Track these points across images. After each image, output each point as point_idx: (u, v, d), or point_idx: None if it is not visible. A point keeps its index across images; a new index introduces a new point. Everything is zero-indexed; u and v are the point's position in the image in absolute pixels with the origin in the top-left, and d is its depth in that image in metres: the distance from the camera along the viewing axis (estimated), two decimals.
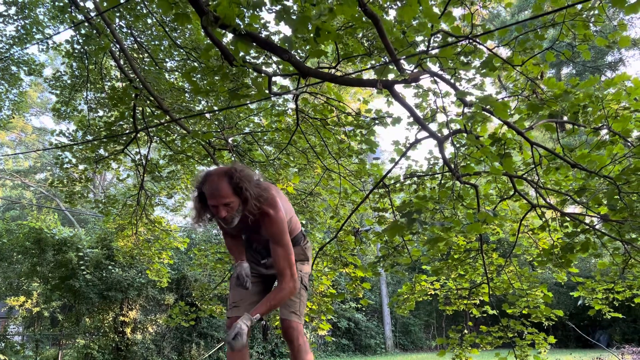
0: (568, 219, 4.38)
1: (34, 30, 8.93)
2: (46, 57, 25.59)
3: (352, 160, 6.06)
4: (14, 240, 13.10)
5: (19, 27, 8.97)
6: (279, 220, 2.54)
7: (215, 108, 6.18)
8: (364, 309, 20.32)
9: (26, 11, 8.81)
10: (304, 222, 6.73)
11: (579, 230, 4.17)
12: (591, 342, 18.17)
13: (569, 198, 4.36)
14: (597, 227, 4.20)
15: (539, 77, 4.16)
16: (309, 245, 2.99)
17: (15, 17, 9.01)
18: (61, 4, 7.07)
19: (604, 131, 3.98)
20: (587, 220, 4.16)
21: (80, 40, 7.06)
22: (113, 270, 13.75)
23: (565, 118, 4.25)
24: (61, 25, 8.87)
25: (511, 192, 4.56)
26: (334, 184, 6.16)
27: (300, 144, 5.83)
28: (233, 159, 6.19)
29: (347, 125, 5.23)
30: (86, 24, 6.02)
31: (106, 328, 14.21)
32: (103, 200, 8.14)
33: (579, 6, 3.52)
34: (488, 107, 3.15)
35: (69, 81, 8.28)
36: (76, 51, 7.38)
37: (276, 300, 2.52)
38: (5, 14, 9.01)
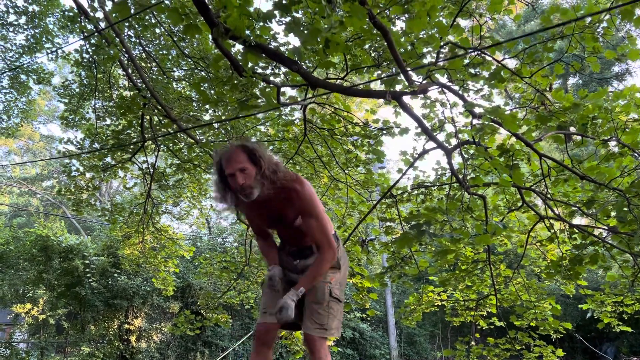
0: (577, 230, 4.36)
1: (44, 39, 9.01)
2: (54, 66, 25.82)
3: (359, 170, 6.06)
4: (21, 247, 13.15)
5: (29, 37, 9.06)
6: (308, 192, 2.53)
7: (224, 118, 6.21)
8: (369, 319, 20.21)
9: (36, 21, 8.90)
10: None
11: (587, 242, 4.15)
12: (598, 355, 17.99)
13: (577, 210, 4.34)
14: (606, 239, 4.18)
15: (548, 89, 4.16)
16: (342, 250, 2.82)
17: (25, 27, 9.11)
18: (71, 14, 7.15)
19: (613, 143, 3.97)
20: (596, 232, 4.15)
21: (90, 50, 7.13)
22: (119, 278, 13.76)
23: (573, 130, 4.24)
24: (71, 34, 8.96)
25: (519, 204, 4.54)
26: (340, 193, 6.15)
27: (308, 153, 5.84)
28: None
29: (355, 135, 5.23)
30: (96, 34, 6.08)
31: (111, 336, 14.20)
32: (110, 209, 8.16)
33: (588, 19, 3.53)
34: (497, 118, 3.15)
35: (77, 90, 8.34)
36: (85, 60, 7.45)
37: (318, 272, 2.51)
38: (16, 23, 9.11)
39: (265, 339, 2.61)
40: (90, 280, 13.24)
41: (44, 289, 13.82)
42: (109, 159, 6.96)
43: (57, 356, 14.58)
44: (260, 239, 2.84)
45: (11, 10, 8.90)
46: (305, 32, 2.74)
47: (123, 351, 14.26)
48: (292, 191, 2.51)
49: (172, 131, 5.93)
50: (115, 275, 13.79)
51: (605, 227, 4.04)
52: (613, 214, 3.94)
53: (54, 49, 8.90)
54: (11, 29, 9.17)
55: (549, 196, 4.13)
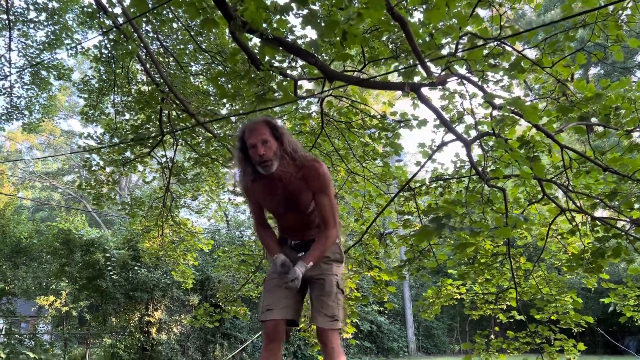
0: (599, 223, 4.29)
1: (63, 35, 9.12)
2: (74, 62, 26.14)
3: (377, 163, 6.02)
4: (44, 241, 13.40)
5: (49, 33, 9.18)
6: (325, 172, 2.59)
7: (241, 111, 6.22)
8: (386, 312, 20.20)
9: (56, 17, 9.01)
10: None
11: (610, 234, 4.08)
12: (620, 349, 17.75)
13: (599, 202, 4.26)
14: (629, 231, 4.10)
15: (569, 79, 4.09)
16: (340, 244, 2.90)
17: (45, 23, 9.22)
18: (90, 10, 7.22)
19: (636, 134, 3.89)
20: (619, 224, 4.07)
21: (109, 45, 7.20)
22: (139, 271, 13.95)
23: (595, 120, 4.16)
24: (89, 30, 9.05)
25: (539, 196, 4.48)
26: (358, 187, 6.13)
27: (325, 147, 5.83)
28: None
29: (372, 128, 5.21)
30: (114, 30, 6.13)
31: (132, 328, 14.42)
32: (129, 202, 8.26)
33: (611, 7, 3.45)
34: (517, 109, 3.10)
35: (96, 85, 8.43)
36: (104, 56, 7.52)
37: (323, 247, 2.57)
38: (36, 20, 9.23)
39: (274, 335, 2.62)
40: (111, 273, 13.44)
41: (67, 281, 14.07)
42: (128, 154, 7.03)
43: (79, 347, 14.85)
44: (261, 228, 2.84)
45: (32, 7, 9.01)
46: (323, 24, 2.73)
47: (144, 343, 14.47)
48: (311, 169, 2.55)
49: (189, 125, 5.96)
50: (136, 268, 13.98)
51: (628, 220, 3.97)
52: (637, 205, 3.87)
53: (73, 45, 9.01)
54: (32, 26, 9.30)
55: (570, 188, 4.07)
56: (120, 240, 14.64)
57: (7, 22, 9.10)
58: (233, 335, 16.45)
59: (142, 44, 6.17)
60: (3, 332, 13.43)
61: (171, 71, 7.41)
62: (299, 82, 3.97)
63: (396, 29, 3.70)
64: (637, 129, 3.78)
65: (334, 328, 2.63)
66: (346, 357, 2.75)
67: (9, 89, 9.86)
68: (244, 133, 2.53)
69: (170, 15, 6.90)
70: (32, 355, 11.41)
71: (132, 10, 5.99)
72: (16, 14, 9.26)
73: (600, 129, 4.26)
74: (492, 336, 5.79)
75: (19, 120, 10.48)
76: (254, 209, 2.82)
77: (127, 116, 7.96)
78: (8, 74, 9.60)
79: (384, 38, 4.30)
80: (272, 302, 2.64)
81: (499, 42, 3.61)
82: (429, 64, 3.33)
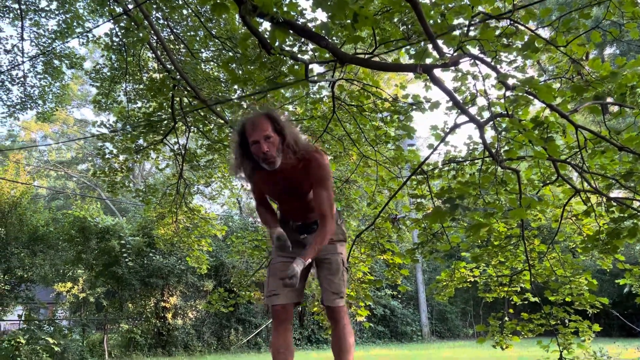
0: (614, 203, 4.25)
1: (75, 24, 9.16)
2: (86, 50, 26.25)
3: (389, 147, 6.00)
4: (60, 228, 13.60)
5: (60, 22, 9.21)
6: (326, 163, 2.61)
7: (252, 95, 6.22)
8: (399, 296, 20.27)
9: (67, 6, 9.04)
10: (339, 209, 6.74)
11: (626, 215, 4.04)
12: (636, 331, 17.67)
13: (615, 182, 4.22)
14: None
15: (584, 58, 4.03)
16: (344, 225, 2.99)
17: (56, 12, 9.26)
18: None
19: None
20: (635, 204, 4.03)
21: (120, 33, 7.21)
22: (154, 258, 14.12)
23: (610, 100, 4.10)
24: (100, 18, 9.07)
25: (553, 177, 4.44)
26: (370, 171, 6.13)
27: (336, 131, 5.82)
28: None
29: (384, 112, 5.18)
30: (125, 17, 6.14)
31: (148, 313, 14.64)
32: (143, 190, 8.33)
33: None
34: (531, 90, 3.07)
35: (108, 73, 8.47)
36: (115, 44, 7.54)
37: (322, 242, 2.58)
38: (47, 9, 9.27)
39: (283, 318, 2.69)
40: (126, 259, 13.63)
41: (83, 268, 14.30)
42: (141, 141, 7.07)
43: (97, 332, 15.14)
44: (261, 206, 2.87)
45: None
46: (333, 5, 2.71)
47: (160, 328, 14.70)
48: (312, 160, 2.57)
49: (199, 108, 5.97)
50: (151, 254, 14.15)
51: None
52: None
53: (84, 34, 9.04)
54: (43, 15, 9.34)
55: (585, 169, 4.02)
56: (135, 227, 14.82)
57: (19, 11, 9.15)
58: (247, 320, 16.64)
59: (152, 31, 6.18)
60: (23, 319, 13.72)
61: (182, 58, 7.41)
62: (310, 66, 3.95)
63: (407, 10, 3.66)
64: None
65: (340, 305, 2.74)
66: (354, 336, 2.85)
67: (22, 79, 9.95)
68: (245, 128, 2.51)
69: (180, 2, 6.89)
70: (51, 340, 11.64)
71: None
72: (27, 3, 9.31)
73: (615, 109, 4.20)
74: (506, 318, 5.80)
75: (33, 110, 10.59)
76: (256, 191, 2.86)
77: (139, 104, 8.00)
78: (21, 63, 9.68)
79: (395, 20, 4.26)
80: (277, 286, 2.69)
81: (511, 22, 3.56)
82: (441, 44, 3.29)
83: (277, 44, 3.51)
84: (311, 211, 2.75)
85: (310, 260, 2.55)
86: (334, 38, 4.24)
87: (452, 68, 3.70)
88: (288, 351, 2.65)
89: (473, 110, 4.31)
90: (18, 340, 11.17)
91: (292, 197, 2.74)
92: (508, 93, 3.38)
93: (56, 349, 11.70)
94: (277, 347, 2.64)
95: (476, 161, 4.54)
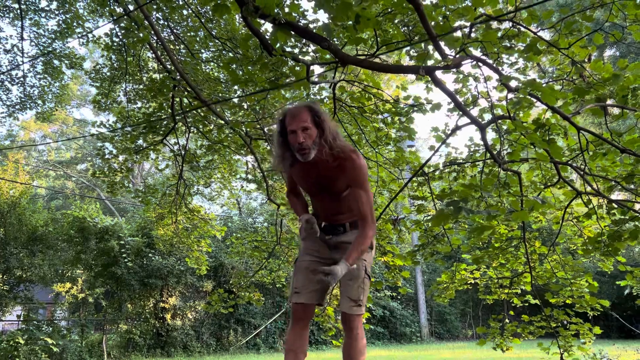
0: (615, 205, 4.24)
1: (75, 24, 9.14)
2: (85, 50, 26.23)
3: (390, 148, 6.00)
4: (59, 228, 13.57)
5: (60, 22, 9.20)
6: (363, 164, 2.58)
7: (253, 97, 6.20)
8: (399, 297, 20.26)
9: (67, 5, 9.02)
10: None
11: (627, 217, 4.03)
12: (635, 333, 17.68)
13: (616, 184, 4.21)
14: None
15: (586, 60, 4.02)
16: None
17: (56, 12, 9.25)
18: None
19: None
20: (636, 207, 4.02)
21: (120, 33, 7.20)
22: (153, 258, 14.09)
23: (610, 102, 4.09)
24: (100, 18, 9.06)
25: (555, 179, 4.43)
26: (370, 172, 6.11)
27: None
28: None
29: (385, 113, 5.17)
30: (125, 17, 6.12)
31: (147, 314, 14.61)
32: (143, 190, 8.32)
33: None
34: (534, 92, 3.06)
35: (108, 73, 8.46)
36: (115, 44, 7.53)
37: (363, 246, 2.54)
38: (47, 9, 9.26)
39: (302, 317, 2.67)
40: (125, 260, 13.60)
41: (82, 268, 14.26)
42: (140, 142, 7.06)
43: (96, 333, 15.10)
44: (292, 195, 2.86)
45: None
46: (335, 7, 2.70)
47: (159, 328, 14.68)
48: (348, 160, 2.54)
49: (199, 107, 5.96)
50: (150, 255, 14.12)
51: None
52: None
53: (84, 34, 9.03)
54: (43, 15, 9.33)
55: (586, 171, 4.02)
56: (134, 228, 14.79)
57: (19, 11, 9.13)
58: (247, 321, 16.61)
59: (152, 32, 6.16)
60: (22, 319, 13.69)
61: (182, 58, 7.40)
62: (312, 67, 3.95)
63: (409, 12, 3.65)
64: None
65: (358, 313, 2.66)
66: (366, 347, 2.80)
67: (22, 79, 9.93)
68: (285, 117, 2.52)
69: (181, 2, 6.88)
70: (50, 340, 11.61)
71: None
72: (28, 3, 9.29)
73: (616, 111, 4.19)
74: (507, 320, 5.79)
75: (33, 110, 10.57)
76: (289, 180, 2.86)
77: (139, 104, 7.98)
78: (21, 63, 9.66)
79: (397, 21, 4.25)
80: (301, 285, 2.67)
81: (513, 24, 3.55)
82: (442, 46, 3.28)
83: (278, 45, 3.50)
84: (340, 212, 2.73)
85: (355, 265, 2.51)
86: (335, 39, 4.24)
87: (454, 70, 3.69)
88: (301, 351, 2.61)
89: (474, 112, 4.31)
90: (17, 340, 11.14)
91: (323, 193, 2.71)
92: (510, 95, 3.38)
93: (55, 349, 11.67)
94: (291, 346, 2.61)
95: (477, 163, 4.53)
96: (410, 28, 4.06)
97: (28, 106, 10.29)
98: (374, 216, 2.61)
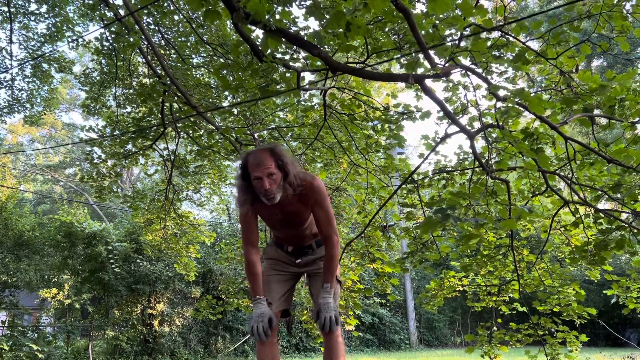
0: (602, 215, 4.28)
1: (64, 28, 9.10)
2: (75, 54, 26.09)
3: (379, 156, 6.01)
4: (46, 233, 13.42)
5: (50, 25, 9.15)
6: (321, 186, 2.69)
7: (241, 101, 6.20)
8: (388, 304, 20.26)
9: (57, 9, 8.98)
10: None
11: (613, 226, 4.07)
12: (621, 341, 17.81)
13: (603, 194, 4.25)
14: (632, 223, 4.08)
15: (574, 70, 4.07)
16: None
17: (46, 15, 9.20)
18: (91, 2, 7.18)
19: None
20: (623, 217, 4.06)
21: (110, 38, 7.17)
22: (141, 264, 13.97)
23: (598, 112, 4.14)
24: (91, 22, 9.02)
25: (543, 188, 4.47)
26: (360, 179, 6.13)
27: (327, 139, 5.82)
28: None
29: (375, 120, 5.19)
30: (116, 22, 6.10)
31: (134, 320, 14.47)
32: (132, 195, 8.26)
33: None
34: (522, 101, 3.09)
35: (98, 78, 8.42)
36: (105, 48, 7.50)
37: (334, 267, 2.66)
38: (37, 12, 9.20)
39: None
40: (113, 265, 13.47)
41: (69, 274, 14.10)
42: (130, 146, 7.02)
43: (82, 339, 14.92)
44: (250, 246, 2.75)
45: (32, 0, 8.99)
46: (327, 15, 2.71)
47: (146, 335, 14.53)
48: (309, 186, 2.63)
49: (190, 115, 5.94)
50: (138, 260, 14.00)
51: (632, 212, 3.96)
52: None
53: (74, 38, 8.98)
54: (33, 18, 9.27)
55: (574, 180, 4.05)
56: (122, 233, 14.66)
57: (7, 14, 9.07)
58: (235, 328, 16.51)
59: (143, 36, 6.15)
60: (6, 325, 13.49)
61: (172, 63, 7.38)
62: (302, 74, 3.95)
63: (399, 20, 3.68)
64: None
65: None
66: (345, 349, 2.86)
67: (10, 82, 9.85)
68: (248, 163, 2.54)
69: (172, 7, 6.87)
70: (35, 347, 11.46)
71: (133, 1, 5.97)
72: (17, 6, 9.23)
73: (603, 121, 4.24)
74: (495, 328, 5.80)
75: (21, 113, 10.49)
76: (245, 227, 2.80)
77: (129, 109, 7.95)
78: (9, 66, 9.58)
79: (387, 29, 4.27)
80: (269, 296, 2.73)
81: (502, 33, 3.59)
82: (432, 55, 3.31)
83: (269, 51, 3.50)
84: (305, 237, 2.85)
85: (334, 287, 2.65)
86: (325, 47, 4.25)
87: (444, 78, 3.71)
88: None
89: (464, 121, 4.34)
90: (1, 346, 10.98)
91: (288, 226, 2.81)
92: (499, 104, 3.40)
93: (40, 355, 11.51)
94: (265, 358, 2.63)
95: (466, 171, 4.56)
96: (401, 36, 4.09)
97: (16, 109, 10.20)
98: (336, 230, 2.73)
